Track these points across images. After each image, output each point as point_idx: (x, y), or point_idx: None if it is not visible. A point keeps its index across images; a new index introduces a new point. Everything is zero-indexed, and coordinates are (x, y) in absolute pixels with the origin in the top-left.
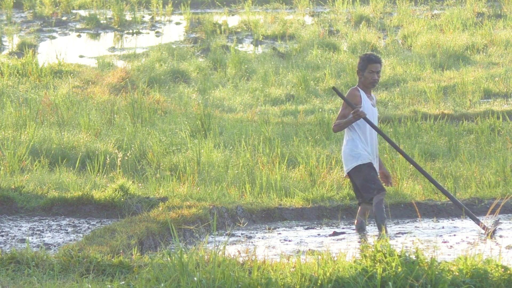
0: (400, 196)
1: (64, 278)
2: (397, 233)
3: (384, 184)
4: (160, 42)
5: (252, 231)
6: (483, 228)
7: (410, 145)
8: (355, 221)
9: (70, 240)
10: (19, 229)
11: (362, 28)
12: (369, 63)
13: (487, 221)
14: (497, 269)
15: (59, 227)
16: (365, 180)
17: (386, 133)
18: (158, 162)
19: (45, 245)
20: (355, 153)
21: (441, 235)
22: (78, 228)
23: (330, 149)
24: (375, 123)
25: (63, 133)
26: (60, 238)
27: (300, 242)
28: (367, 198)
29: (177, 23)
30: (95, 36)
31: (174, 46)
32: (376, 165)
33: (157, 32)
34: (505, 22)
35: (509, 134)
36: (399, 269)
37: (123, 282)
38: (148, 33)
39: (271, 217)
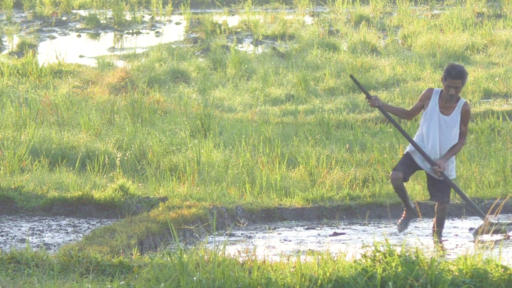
0: None
1: (64, 278)
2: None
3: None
4: (160, 42)
5: (252, 231)
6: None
7: None
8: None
9: (70, 240)
10: (19, 229)
11: (362, 28)
12: (448, 77)
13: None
14: (497, 269)
15: (59, 227)
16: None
17: (407, 133)
18: (158, 162)
19: (45, 245)
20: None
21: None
22: (78, 228)
23: (330, 149)
24: (437, 131)
25: (63, 133)
26: (60, 238)
27: (300, 242)
28: None
29: (177, 23)
30: (95, 36)
31: (174, 46)
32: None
33: (157, 32)
34: (505, 22)
35: (509, 134)
36: (399, 269)
37: (123, 282)
38: (148, 33)
39: (271, 217)
